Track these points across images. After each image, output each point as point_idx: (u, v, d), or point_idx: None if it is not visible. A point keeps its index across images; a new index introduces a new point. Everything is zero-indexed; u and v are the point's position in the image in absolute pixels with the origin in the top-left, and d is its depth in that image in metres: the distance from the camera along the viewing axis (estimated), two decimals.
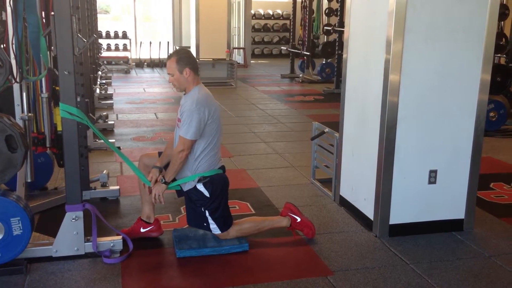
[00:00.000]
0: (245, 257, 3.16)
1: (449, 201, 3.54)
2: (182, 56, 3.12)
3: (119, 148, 5.79)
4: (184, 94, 3.21)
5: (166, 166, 3.20)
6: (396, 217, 3.46)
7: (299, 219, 3.40)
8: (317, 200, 4.22)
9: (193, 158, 3.14)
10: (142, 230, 3.32)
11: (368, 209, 3.60)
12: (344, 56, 3.96)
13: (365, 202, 3.65)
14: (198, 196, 3.17)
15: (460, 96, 3.41)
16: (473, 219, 3.61)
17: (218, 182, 3.19)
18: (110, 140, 5.88)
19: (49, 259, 3.03)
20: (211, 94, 3.23)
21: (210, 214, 3.18)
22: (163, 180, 3.12)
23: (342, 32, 10.29)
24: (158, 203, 3.16)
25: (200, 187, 3.15)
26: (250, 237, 3.34)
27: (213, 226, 3.20)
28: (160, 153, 3.35)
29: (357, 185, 3.80)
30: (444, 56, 3.33)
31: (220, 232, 3.22)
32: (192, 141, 3.07)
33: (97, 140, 5.70)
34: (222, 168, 3.29)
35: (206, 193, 3.15)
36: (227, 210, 3.26)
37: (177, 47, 15.83)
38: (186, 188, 3.19)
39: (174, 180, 3.18)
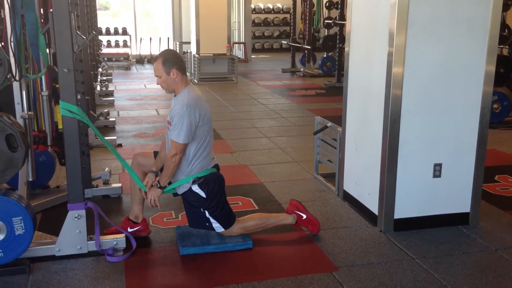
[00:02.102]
0: (249, 254, 3.14)
1: (455, 194, 3.51)
2: (168, 57, 3.07)
3: (120, 145, 5.77)
4: (174, 96, 3.17)
5: (162, 170, 3.17)
6: (401, 211, 3.44)
7: (304, 216, 3.37)
8: (320, 195, 4.19)
9: (187, 162, 3.11)
10: (129, 229, 3.28)
11: (372, 204, 3.57)
12: (346, 49, 3.93)
13: (369, 196, 3.63)
14: (195, 197, 3.14)
15: (465, 88, 3.38)
16: (479, 212, 3.59)
17: (213, 181, 3.16)
18: (111, 138, 5.91)
19: (52, 258, 3.02)
20: (202, 95, 3.19)
21: (210, 214, 3.15)
22: (158, 185, 3.09)
23: (343, 25, 10.24)
24: (155, 207, 3.15)
25: (196, 188, 3.12)
26: (254, 234, 3.31)
27: (215, 224, 3.18)
28: (155, 152, 3.32)
29: (361, 179, 3.77)
30: (448, 48, 3.29)
31: (223, 230, 3.19)
32: (184, 144, 3.03)
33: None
34: (216, 166, 3.26)
35: (203, 194, 3.12)
36: (228, 207, 3.24)
37: (177, 43, 15.81)
38: (181, 191, 3.17)
39: (170, 183, 3.15)
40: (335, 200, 4.07)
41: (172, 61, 3.07)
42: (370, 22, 3.57)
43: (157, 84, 3.17)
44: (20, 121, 3.38)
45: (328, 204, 3.99)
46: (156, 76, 3.12)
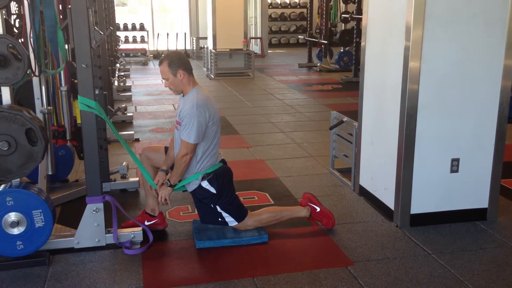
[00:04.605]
0: (264, 248, 3.15)
1: (472, 190, 3.48)
2: (173, 59, 3.10)
3: (138, 139, 5.83)
4: (182, 96, 3.19)
5: (172, 168, 3.20)
6: (418, 206, 3.42)
7: (318, 209, 3.38)
8: (336, 190, 4.18)
9: (195, 160, 3.14)
10: (146, 223, 3.31)
11: (388, 199, 3.56)
12: (362, 44, 3.91)
13: (385, 191, 3.61)
14: (205, 194, 3.17)
15: (483, 83, 3.34)
16: (497, 208, 3.55)
17: (222, 175, 3.19)
18: (129, 132, 5.97)
19: (71, 250, 3.07)
20: (210, 96, 3.21)
21: (222, 209, 3.18)
22: (169, 183, 3.12)
23: (360, 19, 10.14)
24: (165, 204, 3.18)
25: (205, 184, 3.15)
26: (269, 228, 3.33)
27: (228, 219, 3.20)
28: (166, 148, 3.35)
29: (377, 174, 3.76)
30: (465, 42, 3.26)
31: (237, 223, 3.22)
32: (195, 144, 3.06)
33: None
34: (223, 161, 3.28)
35: (213, 190, 3.15)
36: (238, 200, 3.26)
37: (194, 38, 15.85)
38: (191, 188, 3.19)
39: (180, 181, 3.18)
40: (351, 195, 4.06)
41: (177, 63, 3.09)
42: (387, 16, 3.55)
43: (165, 86, 3.19)
44: (39, 115, 3.44)
45: (344, 199, 3.98)
46: (163, 78, 3.15)
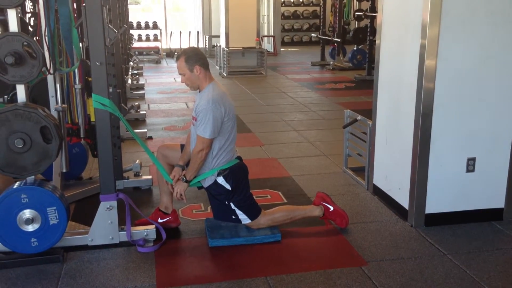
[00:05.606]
0: (277, 247, 3.14)
1: (488, 189, 3.43)
2: (190, 55, 3.11)
3: (150, 137, 5.85)
4: (199, 92, 3.20)
5: (188, 164, 3.20)
6: (432, 206, 3.38)
7: (332, 208, 3.36)
8: (350, 189, 4.16)
9: (211, 156, 3.14)
10: (160, 220, 3.32)
11: (402, 198, 3.52)
12: (377, 42, 3.87)
13: (399, 191, 3.58)
14: (220, 190, 3.16)
15: (500, 81, 3.29)
16: None
17: (238, 172, 3.18)
18: (142, 130, 5.99)
19: (85, 247, 3.09)
20: (226, 91, 3.21)
21: (236, 206, 3.17)
22: (184, 179, 3.12)
23: (374, 17, 10.08)
24: (180, 200, 3.18)
25: (221, 180, 3.14)
26: (282, 226, 3.32)
27: (242, 216, 3.19)
28: (182, 146, 3.35)
29: (391, 173, 3.72)
30: (482, 40, 3.21)
31: (250, 221, 3.21)
32: (210, 140, 3.06)
33: None
34: (239, 158, 3.27)
35: (228, 186, 3.14)
36: (252, 198, 3.25)
37: (207, 36, 15.87)
38: (206, 184, 3.19)
39: (195, 177, 3.18)
40: (365, 194, 4.03)
41: (194, 58, 3.09)
42: (402, 13, 3.51)
43: (182, 82, 3.20)
44: (54, 113, 3.46)
45: (358, 198, 3.95)
46: (180, 74, 3.16)
